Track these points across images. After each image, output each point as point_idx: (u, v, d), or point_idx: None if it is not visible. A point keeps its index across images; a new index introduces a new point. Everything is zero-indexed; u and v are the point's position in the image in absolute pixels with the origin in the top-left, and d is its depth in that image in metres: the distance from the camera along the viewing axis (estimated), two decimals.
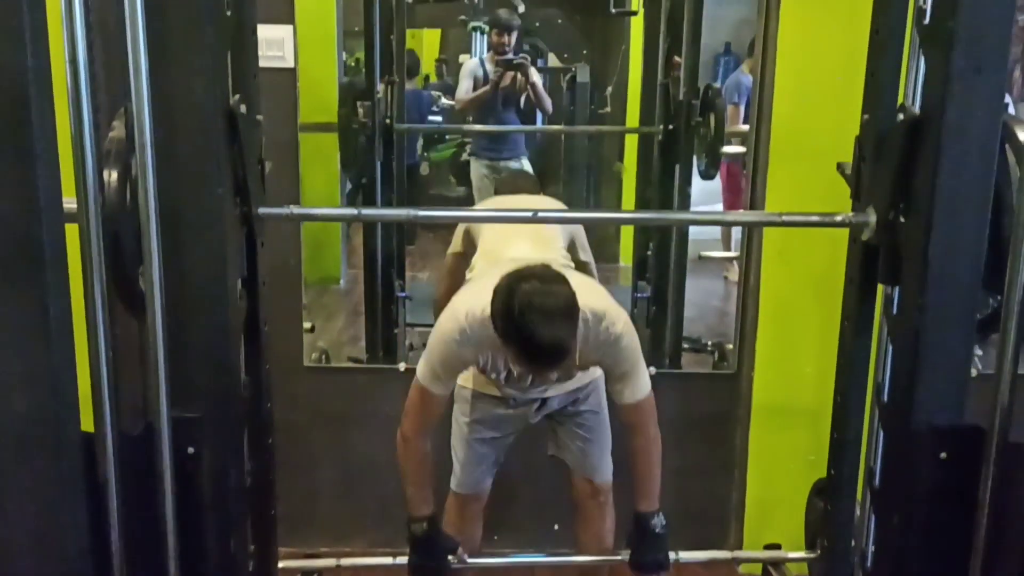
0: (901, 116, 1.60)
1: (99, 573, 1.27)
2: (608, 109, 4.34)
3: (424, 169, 4.62)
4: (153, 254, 1.35)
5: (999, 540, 1.47)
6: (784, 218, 2.11)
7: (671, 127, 3.40)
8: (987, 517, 1.46)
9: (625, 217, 2.06)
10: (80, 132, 1.24)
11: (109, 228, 1.36)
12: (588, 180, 4.46)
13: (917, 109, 1.57)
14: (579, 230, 2.57)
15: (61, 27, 1.23)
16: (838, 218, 1.74)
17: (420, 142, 4.51)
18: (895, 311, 1.65)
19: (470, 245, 2.48)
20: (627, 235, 3.85)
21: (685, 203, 3.41)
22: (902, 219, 1.61)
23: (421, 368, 2.08)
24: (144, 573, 1.40)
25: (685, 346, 3.40)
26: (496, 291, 1.90)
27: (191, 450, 1.51)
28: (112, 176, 1.42)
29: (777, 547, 2.42)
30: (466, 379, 2.30)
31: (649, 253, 3.56)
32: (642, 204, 3.72)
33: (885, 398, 1.70)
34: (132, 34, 1.31)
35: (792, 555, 2.36)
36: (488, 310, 1.94)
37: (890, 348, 1.68)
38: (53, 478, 1.14)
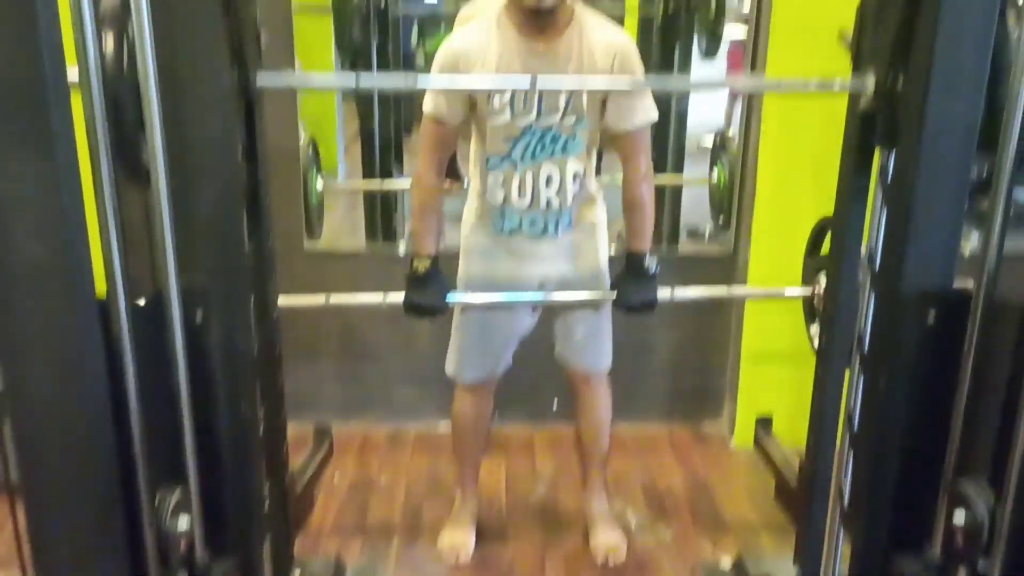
0: None
1: (118, 432, 1.32)
2: None
3: (420, 59, 4.54)
4: (155, 118, 1.35)
5: (980, 400, 1.52)
6: (783, 83, 2.10)
7: (670, 9, 3.36)
8: (969, 378, 1.51)
9: (624, 80, 2.04)
10: None
11: (109, 94, 1.36)
12: None
13: None
14: None
15: None
16: (836, 83, 1.74)
17: (415, 32, 4.43)
18: (890, 175, 1.67)
19: None
20: None
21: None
22: (900, 83, 1.61)
23: (425, 98, 2.10)
24: (160, 434, 1.45)
25: (683, 234, 3.44)
26: None
27: (199, 318, 1.55)
28: (108, 41, 1.41)
29: (768, 421, 2.50)
30: (464, 258, 2.32)
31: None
32: None
33: (877, 264, 1.73)
34: None
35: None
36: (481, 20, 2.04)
37: (884, 214, 1.70)
38: (71, 329, 1.18)
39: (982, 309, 1.49)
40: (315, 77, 2.03)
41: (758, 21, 2.72)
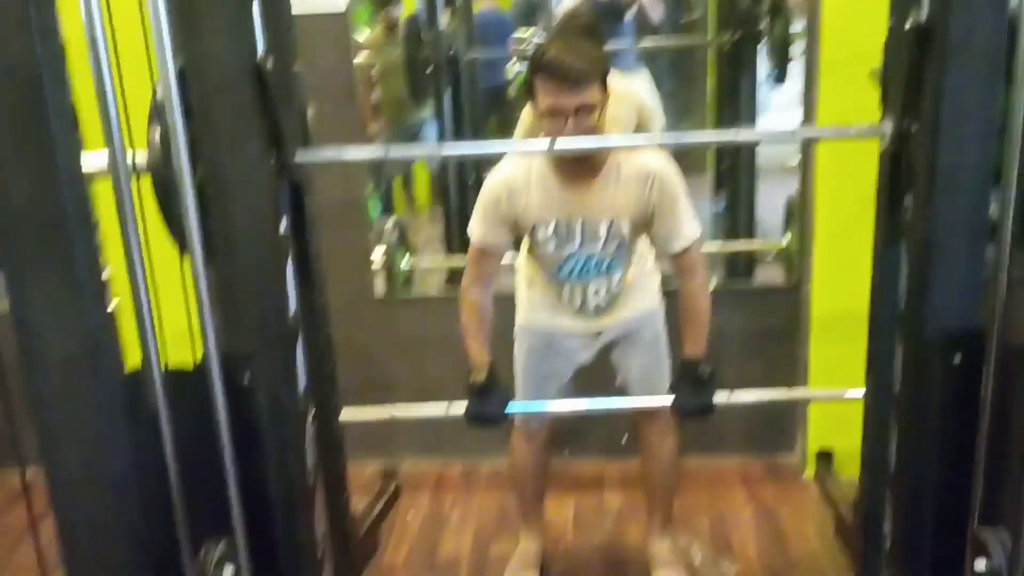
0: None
1: (160, 489, 1.46)
2: (697, 15, 4.25)
3: (512, 91, 4.64)
4: (189, 205, 1.49)
5: (1005, 444, 1.50)
6: (802, 133, 2.10)
7: (738, 36, 3.37)
8: (989, 421, 1.49)
9: (660, 138, 2.10)
10: (102, 87, 1.35)
11: (159, 181, 1.53)
12: (674, 93, 4.41)
13: (923, 17, 1.55)
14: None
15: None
16: (851, 130, 1.75)
17: (511, 68, 4.52)
18: (909, 219, 1.66)
19: None
20: None
21: (752, 114, 3.40)
22: (914, 128, 1.61)
23: (471, 225, 2.21)
24: (207, 501, 1.57)
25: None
26: None
27: (247, 379, 1.67)
28: (155, 134, 1.56)
29: (829, 455, 2.46)
30: (522, 309, 2.40)
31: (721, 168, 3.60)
32: (721, 114, 3.70)
33: (902, 307, 1.72)
34: None
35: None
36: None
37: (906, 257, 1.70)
38: (98, 414, 1.32)
39: (996, 350, 1.48)
40: (349, 151, 2.15)
41: (809, 54, 2.70)
